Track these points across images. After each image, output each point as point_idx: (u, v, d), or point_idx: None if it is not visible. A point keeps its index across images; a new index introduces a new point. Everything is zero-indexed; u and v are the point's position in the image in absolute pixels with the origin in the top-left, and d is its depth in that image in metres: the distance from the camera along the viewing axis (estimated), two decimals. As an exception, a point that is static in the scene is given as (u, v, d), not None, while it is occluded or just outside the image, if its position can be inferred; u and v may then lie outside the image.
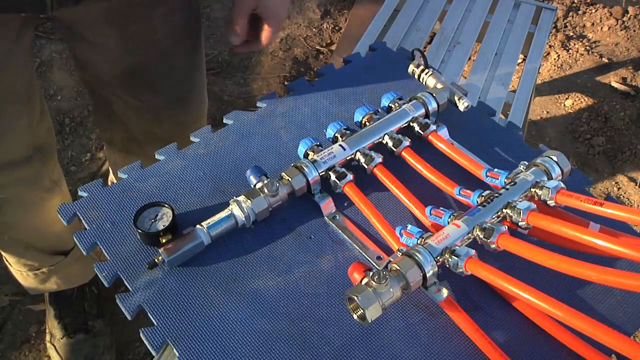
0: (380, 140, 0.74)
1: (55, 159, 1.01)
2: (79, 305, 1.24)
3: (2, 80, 0.80)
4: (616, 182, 1.73)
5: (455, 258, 0.57)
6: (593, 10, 2.22)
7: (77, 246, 1.10)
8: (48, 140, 0.96)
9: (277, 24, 0.84)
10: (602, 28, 2.17)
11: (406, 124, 0.76)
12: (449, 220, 0.63)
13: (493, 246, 0.58)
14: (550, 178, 0.65)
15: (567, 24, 2.20)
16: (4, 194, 0.92)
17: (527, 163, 0.68)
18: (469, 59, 1.32)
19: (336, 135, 0.74)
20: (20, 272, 1.12)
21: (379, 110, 0.79)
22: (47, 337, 1.24)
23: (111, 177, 1.32)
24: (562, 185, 0.62)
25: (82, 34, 0.85)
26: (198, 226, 0.64)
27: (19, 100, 0.85)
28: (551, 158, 0.66)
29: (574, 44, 2.11)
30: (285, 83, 1.90)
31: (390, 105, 0.78)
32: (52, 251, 1.11)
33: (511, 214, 0.60)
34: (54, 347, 1.22)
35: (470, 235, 0.60)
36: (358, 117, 0.77)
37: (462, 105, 0.79)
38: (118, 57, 0.89)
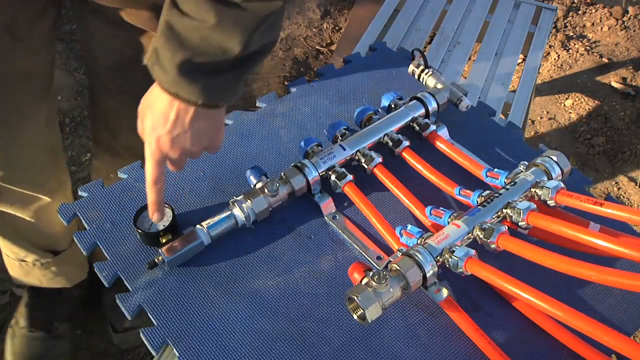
0: (380, 140, 0.74)
1: (63, 162, 1.00)
2: (51, 303, 1.23)
3: (18, 56, 0.75)
4: (616, 182, 1.73)
5: (455, 258, 0.57)
6: (593, 10, 2.22)
7: (69, 250, 1.12)
8: (58, 142, 0.96)
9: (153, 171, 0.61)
10: (602, 28, 2.16)
11: (406, 124, 0.76)
12: (449, 220, 0.63)
13: (493, 246, 0.58)
14: (550, 178, 0.65)
15: (567, 24, 2.20)
16: (7, 186, 0.92)
17: (527, 163, 0.68)
18: (469, 59, 1.32)
19: (336, 135, 0.74)
20: (8, 257, 1.12)
21: (379, 110, 0.79)
22: (12, 321, 1.22)
23: None
24: (562, 185, 0.62)
25: (101, 10, 0.78)
26: (198, 226, 0.64)
27: (35, 90, 0.82)
28: (551, 158, 0.66)
29: (574, 44, 2.11)
30: (285, 83, 1.89)
31: (390, 105, 0.78)
32: (42, 247, 1.11)
33: (511, 214, 0.60)
34: (14, 333, 1.20)
35: (470, 235, 0.60)
36: (358, 117, 0.77)
37: (462, 105, 0.79)
38: (128, 37, 0.81)
